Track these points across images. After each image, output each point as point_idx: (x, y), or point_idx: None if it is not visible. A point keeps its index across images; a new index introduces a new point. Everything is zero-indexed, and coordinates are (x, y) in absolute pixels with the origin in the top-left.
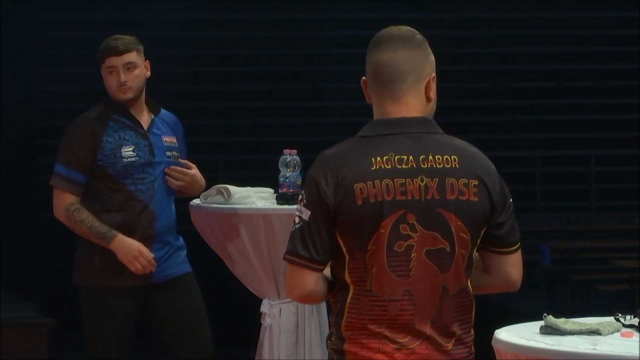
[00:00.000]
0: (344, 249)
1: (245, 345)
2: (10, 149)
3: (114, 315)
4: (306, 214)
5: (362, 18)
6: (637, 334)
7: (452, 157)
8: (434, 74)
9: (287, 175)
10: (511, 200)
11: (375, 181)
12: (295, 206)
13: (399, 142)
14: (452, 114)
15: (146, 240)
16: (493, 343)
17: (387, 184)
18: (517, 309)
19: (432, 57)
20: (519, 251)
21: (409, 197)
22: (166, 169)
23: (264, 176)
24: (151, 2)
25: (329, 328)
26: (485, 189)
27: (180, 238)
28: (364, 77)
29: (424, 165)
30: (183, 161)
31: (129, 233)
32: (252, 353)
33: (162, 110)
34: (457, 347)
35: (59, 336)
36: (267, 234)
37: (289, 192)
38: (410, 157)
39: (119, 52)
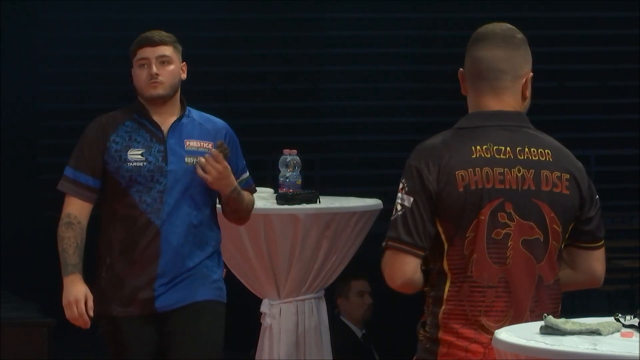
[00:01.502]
0: (443, 237)
1: (245, 345)
2: (10, 148)
3: (122, 344)
4: (408, 201)
5: (362, 18)
6: (637, 334)
7: (546, 150)
8: (531, 73)
9: (287, 175)
10: (598, 197)
11: (476, 169)
12: (295, 206)
13: (496, 133)
14: (452, 114)
15: (148, 262)
16: (493, 343)
17: (487, 172)
18: None
19: (530, 57)
20: (604, 247)
21: (507, 186)
22: (199, 158)
23: (264, 176)
24: (151, 2)
25: (424, 317)
26: (576, 183)
27: (214, 268)
28: (461, 69)
29: (521, 156)
30: (213, 151)
31: (131, 250)
32: (252, 353)
33: (198, 112)
34: None
35: (59, 336)
36: (267, 234)
37: (289, 192)
38: (508, 148)
39: (154, 43)
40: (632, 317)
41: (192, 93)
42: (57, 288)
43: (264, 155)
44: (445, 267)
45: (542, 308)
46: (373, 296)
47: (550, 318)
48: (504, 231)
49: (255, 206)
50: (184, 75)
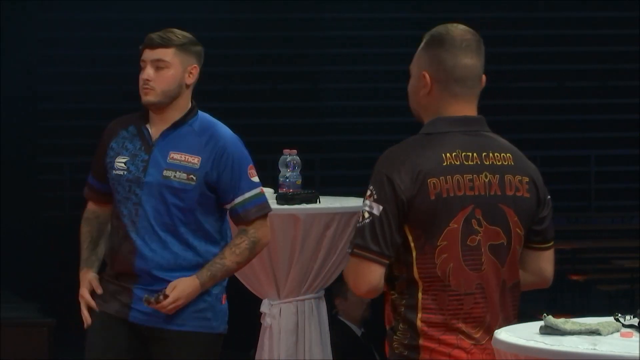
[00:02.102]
0: (412, 245)
1: (245, 345)
2: (10, 149)
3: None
4: (377, 209)
5: (362, 18)
6: (637, 334)
7: (507, 154)
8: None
9: (287, 175)
10: (549, 197)
11: (447, 176)
12: (295, 206)
13: (461, 139)
14: None
15: (125, 278)
16: (493, 343)
17: (457, 179)
18: None
19: None
20: (553, 249)
21: (476, 193)
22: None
23: (264, 176)
24: (151, 2)
25: (390, 323)
26: (534, 185)
27: (213, 293)
28: (426, 72)
29: (487, 162)
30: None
31: (114, 261)
32: (252, 353)
33: (208, 121)
34: None
35: (59, 336)
36: None
37: (289, 192)
38: (475, 154)
39: (152, 46)
40: (632, 317)
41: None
42: (57, 288)
43: (264, 155)
44: (416, 275)
45: (505, 312)
46: None
47: (550, 318)
48: (477, 237)
49: None
50: (190, 80)
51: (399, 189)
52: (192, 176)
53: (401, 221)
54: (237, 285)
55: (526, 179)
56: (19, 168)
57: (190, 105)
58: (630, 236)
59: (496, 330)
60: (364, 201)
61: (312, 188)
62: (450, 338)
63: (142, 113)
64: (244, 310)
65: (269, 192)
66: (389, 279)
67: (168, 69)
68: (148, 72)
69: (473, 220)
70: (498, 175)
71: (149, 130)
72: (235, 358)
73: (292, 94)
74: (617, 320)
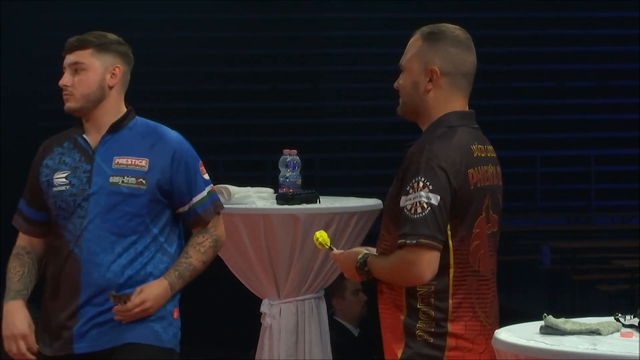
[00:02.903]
0: (449, 233)
1: (245, 345)
2: (10, 149)
3: None
4: (435, 199)
5: (362, 18)
6: (637, 334)
7: (492, 147)
8: None
9: (287, 175)
10: None
11: (477, 167)
12: (295, 206)
13: (472, 133)
14: None
15: (68, 297)
16: (493, 343)
17: (484, 169)
18: (517, 309)
19: None
20: None
21: (490, 183)
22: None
23: (264, 176)
24: (151, 3)
25: (402, 311)
26: (500, 174)
27: (169, 310)
28: (434, 67)
29: (490, 154)
30: (115, 308)
31: (56, 283)
32: (252, 353)
33: (147, 123)
34: None
35: None
36: (267, 234)
37: (289, 192)
38: (483, 147)
39: (69, 49)
40: (632, 317)
41: (192, 93)
42: None
43: (264, 155)
44: (451, 261)
45: (496, 299)
46: (364, 293)
47: (550, 318)
48: (490, 225)
49: (255, 206)
50: (112, 81)
51: (452, 179)
52: (141, 180)
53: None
54: (237, 285)
55: (499, 169)
56: (19, 168)
57: (126, 109)
58: (630, 236)
59: (496, 330)
60: (415, 192)
61: (312, 188)
62: (474, 324)
63: (76, 125)
64: (244, 310)
65: (269, 192)
66: None
67: (86, 72)
68: (66, 77)
69: (489, 209)
70: (495, 167)
71: (86, 139)
72: (235, 358)
73: (292, 94)
74: (617, 320)
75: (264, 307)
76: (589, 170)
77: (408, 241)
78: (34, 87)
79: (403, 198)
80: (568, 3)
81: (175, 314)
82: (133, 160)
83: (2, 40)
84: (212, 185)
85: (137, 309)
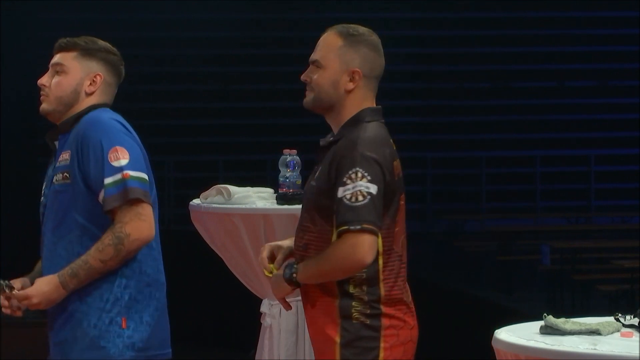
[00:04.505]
0: None
1: (245, 345)
2: (10, 148)
3: None
4: (374, 189)
5: (362, 18)
6: (637, 334)
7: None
8: None
9: (287, 175)
10: None
11: (397, 160)
12: (295, 206)
13: (384, 127)
14: (452, 113)
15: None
16: (493, 343)
17: (398, 162)
18: (517, 309)
19: None
20: None
21: (401, 174)
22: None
23: (264, 176)
24: (151, 3)
25: (336, 296)
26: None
27: (105, 318)
28: (357, 69)
29: (394, 147)
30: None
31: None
32: (252, 353)
33: (86, 118)
34: None
35: None
36: (267, 234)
37: (289, 192)
38: (392, 141)
39: (57, 49)
40: (632, 317)
41: (192, 93)
42: None
43: (264, 155)
44: (380, 248)
45: None
46: None
47: (550, 318)
48: (404, 211)
49: (255, 206)
50: (90, 88)
51: (385, 171)
52: (66, 174)
53: None
54: (237, 285)
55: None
56: (19, 168)
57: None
58: (630, 236)
59: (496, 330)
60: (354, 182)
61: None
62: (402, 305)
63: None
64: (244, 310)
65: (269, 192)
66: None
67: (65, 74)
68: (45, 77)
69: (403, 196)
70: (398, 159)
71: (56, 144)
72: (235, 358)
73: (292, 94)
74: (617, 320)
75: (264, 307)
76: (589, 170)
77: (352, 227)
78: (34, 87)
79: (341, 189)
80: (568, 3)
81: (124, 324)
82: (63, 156)
83: (2, 40)
84: (124, 172)
85: (24, 302)
